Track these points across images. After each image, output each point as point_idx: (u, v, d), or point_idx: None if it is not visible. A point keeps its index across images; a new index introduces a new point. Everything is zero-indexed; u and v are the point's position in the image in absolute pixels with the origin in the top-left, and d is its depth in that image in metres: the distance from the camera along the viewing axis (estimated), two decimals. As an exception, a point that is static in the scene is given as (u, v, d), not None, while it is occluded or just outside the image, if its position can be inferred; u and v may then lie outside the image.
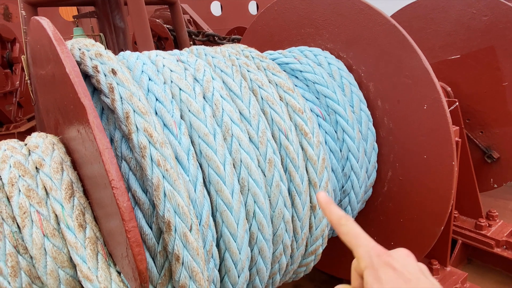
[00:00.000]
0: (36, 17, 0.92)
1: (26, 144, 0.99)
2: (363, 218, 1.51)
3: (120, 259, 0.75)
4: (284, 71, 1.33)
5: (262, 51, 1.38)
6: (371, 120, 1.36)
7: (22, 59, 6.46)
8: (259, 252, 0.99)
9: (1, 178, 0.86)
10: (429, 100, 1.19)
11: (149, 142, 0.75)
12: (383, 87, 1.32)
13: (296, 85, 1.33)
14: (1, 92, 6.04)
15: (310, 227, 1.13)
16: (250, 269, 1.01)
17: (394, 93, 1.30)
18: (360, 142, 1.30)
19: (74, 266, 0.86)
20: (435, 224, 1.28)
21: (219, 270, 0.94)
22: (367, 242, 0.50)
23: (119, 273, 0.87)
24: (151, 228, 0.79)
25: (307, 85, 1.33)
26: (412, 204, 1.33)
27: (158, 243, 0.80)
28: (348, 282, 0.55)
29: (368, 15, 1.28)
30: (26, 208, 0.82)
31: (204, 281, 0.80)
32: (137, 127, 0.75)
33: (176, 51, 1.18)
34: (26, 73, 6.45)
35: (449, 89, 2.13)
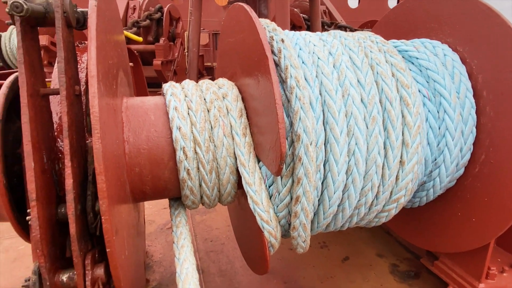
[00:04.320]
0: (236, 3, 1.47)
1: (215, 83, 1.58)
2: (451, 195, 1.72)
3: (266, 153, 1.24)
4: (403, 57, 1.62)
5: (388, 40, 1.70)
6: (474, 107, 1.55)
7: (185, 35, 7.79)
8: (352, 181, 1.37)
9: (205, 98, 1.45)
10: (531, 93, 1.34)
11: (296, 85, 1.21)
12: (491, 80, 1.50)
13: (410, 69, 1.62)
14: (165, 60, 7.56)
15: (397, 178, 1.45)
16: (343, 193, 1.40)
17: (500, 86, 1.47)
18: (458, 124, 1.52)
19: (235, 157, 1.40)
20: (517, 205, 1.43)
21: (321, 184, 1.36)
22: None
23: (260, 168, 1.38)
24: (286, 139, 1.26)
25: (420, 70, 1.61)
26: (498, 185, 1.49)
27: (289, 149, 1.26)
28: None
29: (488, 16, 1.47)
30: (217, 117, 1.39)
31: (313, 180, 1.23)
32: (291, 75, 1.22)
33: (318, 33, 1.61)
34: (185, 47, 7.78)
35: None
